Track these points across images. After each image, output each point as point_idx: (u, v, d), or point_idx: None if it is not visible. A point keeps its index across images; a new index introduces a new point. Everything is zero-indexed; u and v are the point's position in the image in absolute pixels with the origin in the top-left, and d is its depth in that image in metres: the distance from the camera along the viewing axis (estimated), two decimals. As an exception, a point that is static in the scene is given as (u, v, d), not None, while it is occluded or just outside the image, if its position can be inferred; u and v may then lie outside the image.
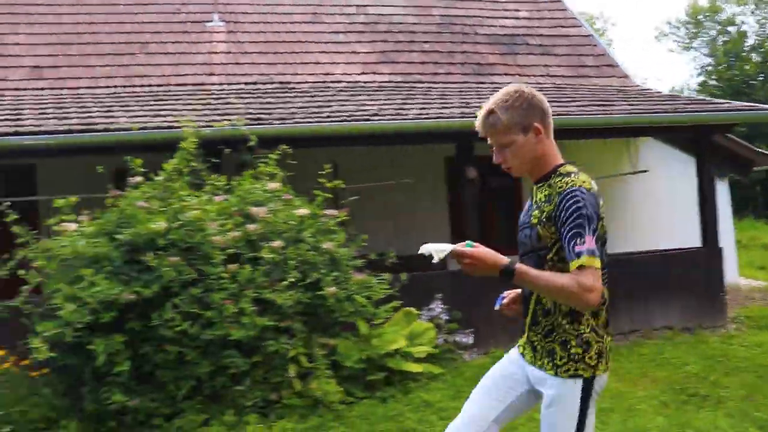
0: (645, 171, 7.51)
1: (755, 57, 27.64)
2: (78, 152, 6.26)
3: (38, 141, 5.92)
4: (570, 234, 2.09)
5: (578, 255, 2.06)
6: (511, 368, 2.42)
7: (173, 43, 10.04)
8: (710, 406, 4.88)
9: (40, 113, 7.10)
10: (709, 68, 27.62)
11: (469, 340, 6.18)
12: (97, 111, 7.29)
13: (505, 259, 2.12)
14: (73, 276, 4.67)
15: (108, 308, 4.46)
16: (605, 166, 8.75)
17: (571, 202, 2.11)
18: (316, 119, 6.70)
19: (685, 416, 4.67)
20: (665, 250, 8.08)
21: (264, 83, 9.19)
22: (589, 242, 2.07)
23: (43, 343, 4.36)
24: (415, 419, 4.83)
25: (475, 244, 2.14)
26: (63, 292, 4.54)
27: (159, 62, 9.66)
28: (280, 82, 9.20)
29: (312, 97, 7.92)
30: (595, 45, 11.45)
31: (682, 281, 7.73)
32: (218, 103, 7.51)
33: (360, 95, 8.00)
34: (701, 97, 15.98)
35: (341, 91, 8.40)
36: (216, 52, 9.95)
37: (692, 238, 8.19)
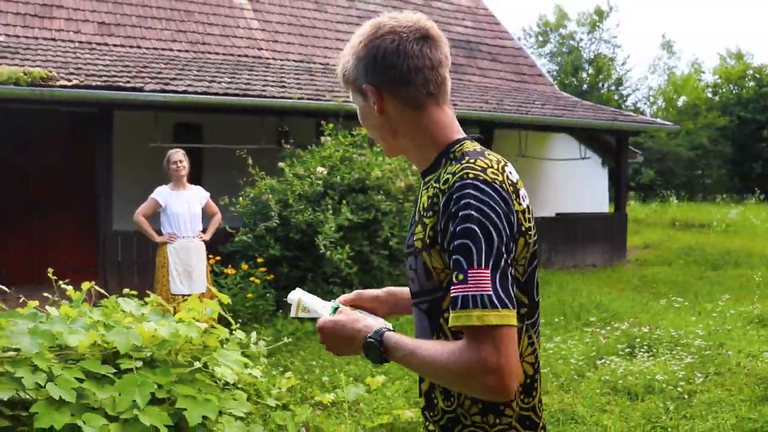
0: (588, 158, 10.94)
1: (590, 70, 33.72)
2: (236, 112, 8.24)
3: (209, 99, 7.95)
4: (452, 265, 1.19)
5: (460, 305, 1.14)
6: None
7: (213, 15, 11.76)
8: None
9: (177, 73, 8.87)
10: (553, 74, 33.08)
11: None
12: (209, 75, 9.17)
13: (368, 325, 1.29)
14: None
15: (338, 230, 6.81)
16: (550, 153, 12.27)
17: (459, 205, 1.18)
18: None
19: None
20: (595, 213, 11.78)
21: (307, 62, 11.39)
22: (481, 279, 1.13)
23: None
24: None
25: (341, 306, 1.37)
26: (304, 218, 6.79)
27: (210, 32, 11.38)
28: (321, 64, 11.46)
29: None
30: (526, 57, 14.93)
31: (604, 233, 11.48)
32: (302, 78, 9.75)
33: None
34: (620, 110, 20.30)
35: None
36: (253, 29, 11.86)
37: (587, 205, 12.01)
